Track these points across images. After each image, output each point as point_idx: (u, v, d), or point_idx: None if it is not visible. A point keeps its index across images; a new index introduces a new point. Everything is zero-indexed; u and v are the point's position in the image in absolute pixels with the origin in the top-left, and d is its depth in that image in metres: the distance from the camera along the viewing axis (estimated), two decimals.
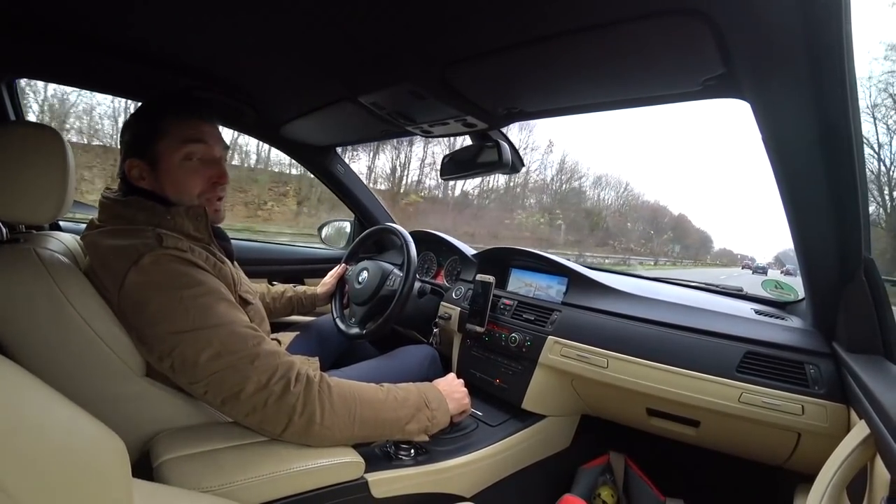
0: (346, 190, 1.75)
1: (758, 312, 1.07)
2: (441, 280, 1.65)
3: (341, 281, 1.42)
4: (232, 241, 0.92)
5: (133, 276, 0.66)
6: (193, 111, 0.81)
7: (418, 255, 1.32)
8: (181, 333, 0.65)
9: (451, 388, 0.91)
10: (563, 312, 1.17)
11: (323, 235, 1.92)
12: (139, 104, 0.84)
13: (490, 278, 1.27)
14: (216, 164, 0.82)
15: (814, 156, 0.66)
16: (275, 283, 1.41)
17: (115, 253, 0.69)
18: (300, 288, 1.38)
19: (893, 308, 0.77)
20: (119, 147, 0.81)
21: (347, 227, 1.94)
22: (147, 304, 0.66)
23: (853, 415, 0.75)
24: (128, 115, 0.84)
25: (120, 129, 0.82)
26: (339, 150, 1.68)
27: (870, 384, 0.64)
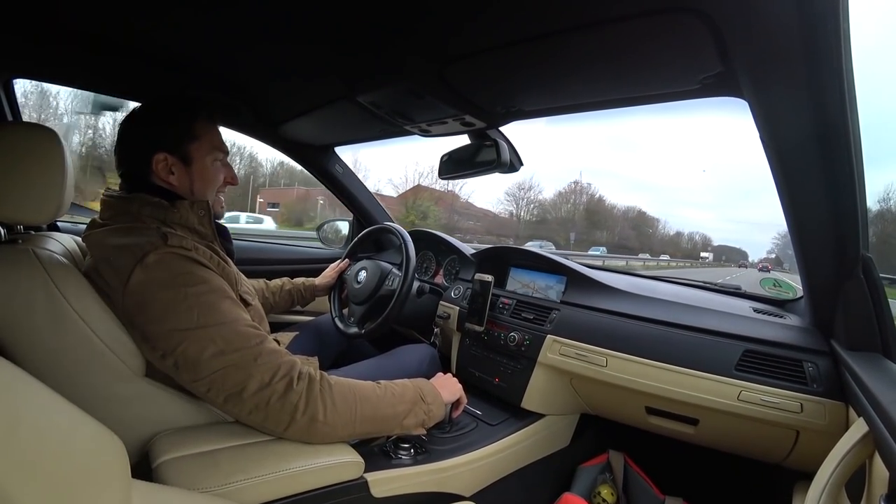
0: (344, 190, 1.75)
1: (756, 311, 1.07)
2: (440, 279, 1.65)
3: (340, 280, 1.43)
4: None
5: (138, 274, 0.67)
6: (216, 119, 0.88)
7: (417, 254, 1.32)
8: (185, 331, 0.66)
9: (446, 381, 0.94)
10: (562, 311, 1.17)
11: (321, 235, 1.92)
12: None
13: (489, 277, 1.27)
14: (230, 168, 0.91)
15: (812, 153, 0.66)
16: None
17: (120, 251, 0.69)
18: (298, 280, 1.38)
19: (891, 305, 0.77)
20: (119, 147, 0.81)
21: (346, 226, 1.93)
22: (152, 301, 0.66)
23: (851, 412, 0.75)
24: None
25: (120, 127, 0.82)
26: (337, 149, 1.68)
27: (868, 382, 0.64)
